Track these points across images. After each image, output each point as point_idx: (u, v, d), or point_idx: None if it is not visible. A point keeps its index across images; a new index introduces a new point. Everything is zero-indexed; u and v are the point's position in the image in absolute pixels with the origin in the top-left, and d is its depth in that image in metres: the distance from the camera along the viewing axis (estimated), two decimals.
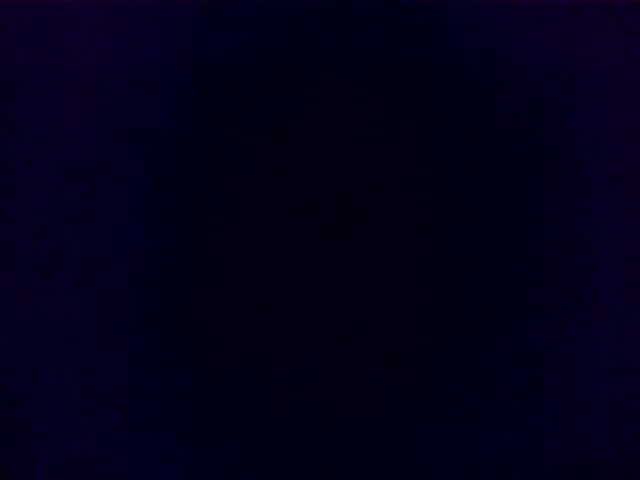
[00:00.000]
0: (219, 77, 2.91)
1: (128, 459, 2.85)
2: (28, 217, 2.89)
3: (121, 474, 2.85)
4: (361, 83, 2.91)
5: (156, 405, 2.86)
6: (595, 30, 2.91)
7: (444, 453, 2.85)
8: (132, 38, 2.92)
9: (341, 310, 2.88)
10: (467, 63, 2.90)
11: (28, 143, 2.90)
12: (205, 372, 2.87)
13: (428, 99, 2.90)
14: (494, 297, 2.87)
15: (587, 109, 2.91)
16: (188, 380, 2.86)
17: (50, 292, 2.88)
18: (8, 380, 2.86)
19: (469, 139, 2.90)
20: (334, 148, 2.90)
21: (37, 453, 2.85)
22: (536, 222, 2.89)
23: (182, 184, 2.90)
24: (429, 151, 2.90)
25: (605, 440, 2.85)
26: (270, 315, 2.88)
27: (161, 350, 2.87)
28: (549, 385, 2.86)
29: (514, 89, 2.90)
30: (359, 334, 2.87)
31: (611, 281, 2.88)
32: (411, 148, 2.90)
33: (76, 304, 2.88)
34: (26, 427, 2.85)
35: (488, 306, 2.87)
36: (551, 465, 2.85)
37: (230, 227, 2.89)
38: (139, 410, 2.86)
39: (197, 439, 2.86)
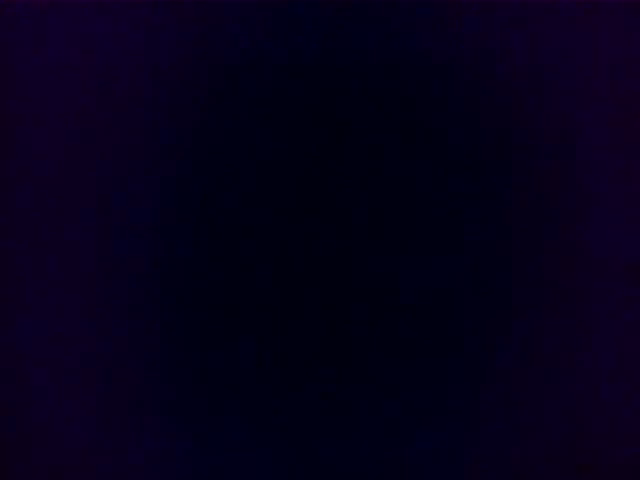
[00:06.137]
0: (218, 77, 2.91)
1: (128, 459, 2.86)
2: (28, 218, 2.89)
3: (121, 474, 2.86)
4: (361, 83, 2.91)
5: (157, 405, 2.87)
6: (595, 30, 2.92)
7: (443, 454, 2.86)
8: (132, 38, 2.92)
9: (341, 310, 2.88)
10: (467, 63, 2.91)
11: (29, 143, 2.90)
12: (205, 373, 2.88)
13: (428, 98, 2.90)
14: (494, 297, 2.88)
15: (587, 109, 2.91)
16: (188, 381, 2.87)
17: (50, 292, 2.88)
18: (8, 380, 2.86)
19: (468, 139, 2.90)
20: (335, 148, 2.90)
21: (37, 453, 2.86)
22: (536, 222, 2.89)
23: (181, 184, 2.90)
24: (429, 150, 2.90)
25: (605, 440, 2.85)
26: (269, 315, 2.88)
27: (161, 349, 2.88)
28: (549, 386, 2.87)
29: (513, 89, 2.91)
30: (359, 334, 2.88)
31: (611, 281, 2.88)
32: (411, 148, 2.90)
33: (78, 304, 2.88)
34: (27, 427, 2.86)
35: (488, 307, 2.88)
36: (551, 466, 2.86)
37: (232, 228, 2.89)
38: (139, 410, 2.87)
39: (196, 439, 2.87)
